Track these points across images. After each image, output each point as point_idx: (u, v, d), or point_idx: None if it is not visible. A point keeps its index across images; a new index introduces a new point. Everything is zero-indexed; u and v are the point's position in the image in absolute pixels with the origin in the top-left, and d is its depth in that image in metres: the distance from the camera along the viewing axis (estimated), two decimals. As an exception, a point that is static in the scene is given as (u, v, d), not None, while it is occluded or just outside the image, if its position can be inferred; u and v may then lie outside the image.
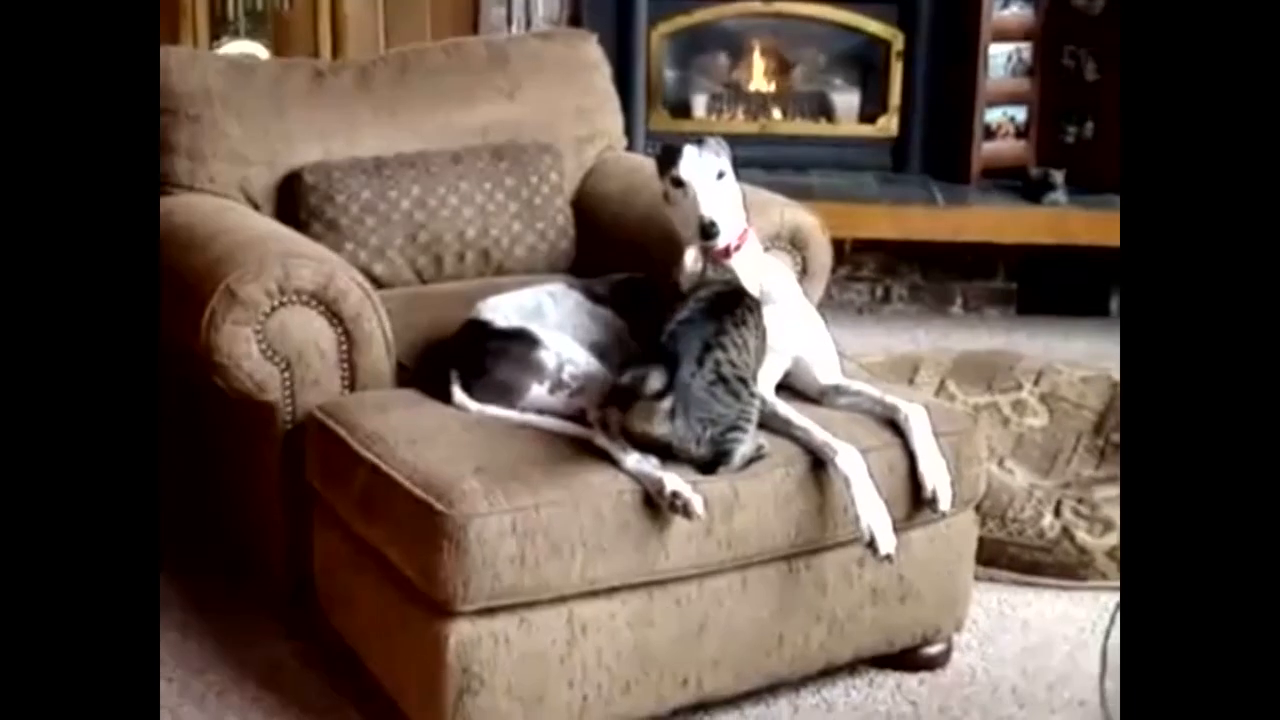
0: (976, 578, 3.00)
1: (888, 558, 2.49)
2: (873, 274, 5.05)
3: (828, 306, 4.94)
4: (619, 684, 2.47)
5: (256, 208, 3.22)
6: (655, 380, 2.37)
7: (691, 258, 2.60)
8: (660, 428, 2.41)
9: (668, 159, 2.72)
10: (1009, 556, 3.13)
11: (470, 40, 3.71)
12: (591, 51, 3.67)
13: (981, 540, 3.02)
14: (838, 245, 4.90)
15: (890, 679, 2.79)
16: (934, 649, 2.81)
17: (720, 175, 2.69)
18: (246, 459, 2.94)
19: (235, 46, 4.46)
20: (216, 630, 2.89)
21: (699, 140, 2.74)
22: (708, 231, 2.63)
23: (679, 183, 2.69)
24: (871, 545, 2.48)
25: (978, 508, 2.95)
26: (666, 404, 2.38)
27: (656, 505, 2.40)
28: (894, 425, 2.63)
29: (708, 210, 2.64)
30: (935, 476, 2.59)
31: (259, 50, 4.48)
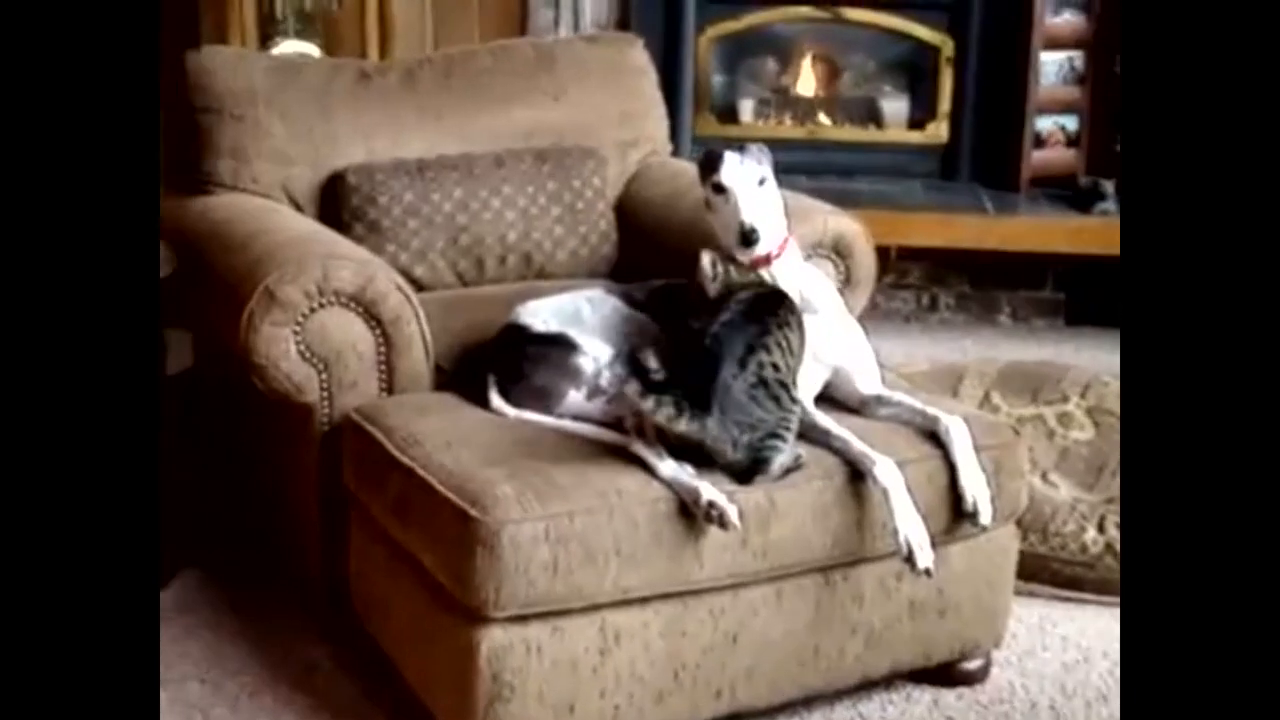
0: (1017, 592, 2.96)
1: (926, 572, 2.45)
2: (919, 282, 5.01)
3: (873, 315, 4.91)
4: (651, 694, 2.45)
5: (299, 209, 3.22)
6: (631, 386, 2.37)
7: (708, 261, 2.58)
8: (679, 426, 2.37)
9: (709, 165, 2.70)
10: (1050, 571, 3.09)
11: (517, 42, 3.70)
12: (638, 56, 3.65)
13: (1022, 554, 2.98)
14: (883, 253, 4.89)
15: (927, 694, 2.75)
16: (972, 664, 2.77)
17: (761, 182, 2.66)
18: (285, 460, 2.93)
19: (289, 46, 4.46)
20: (252, 631, 2.89)
21: (741, 147, 2.71)
22: (748, 238, 2.61)
23: (720, 189, 2.67)
24: (909, 560, 2.45)
25: (1019, 522, 2.91)
26: (663, 405, 2.35)
27: (692, 514, 2.38)
28: (934, 437, 2.60)
29: (748, 217, 2.62)
30: (975, 490, 2.55)
31: (312, 50, 4.48)
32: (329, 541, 2.78)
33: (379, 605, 2.66)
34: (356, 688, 2.70)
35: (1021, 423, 3.55)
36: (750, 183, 2.65)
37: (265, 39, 4.46)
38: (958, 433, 2.58)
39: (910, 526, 2.45)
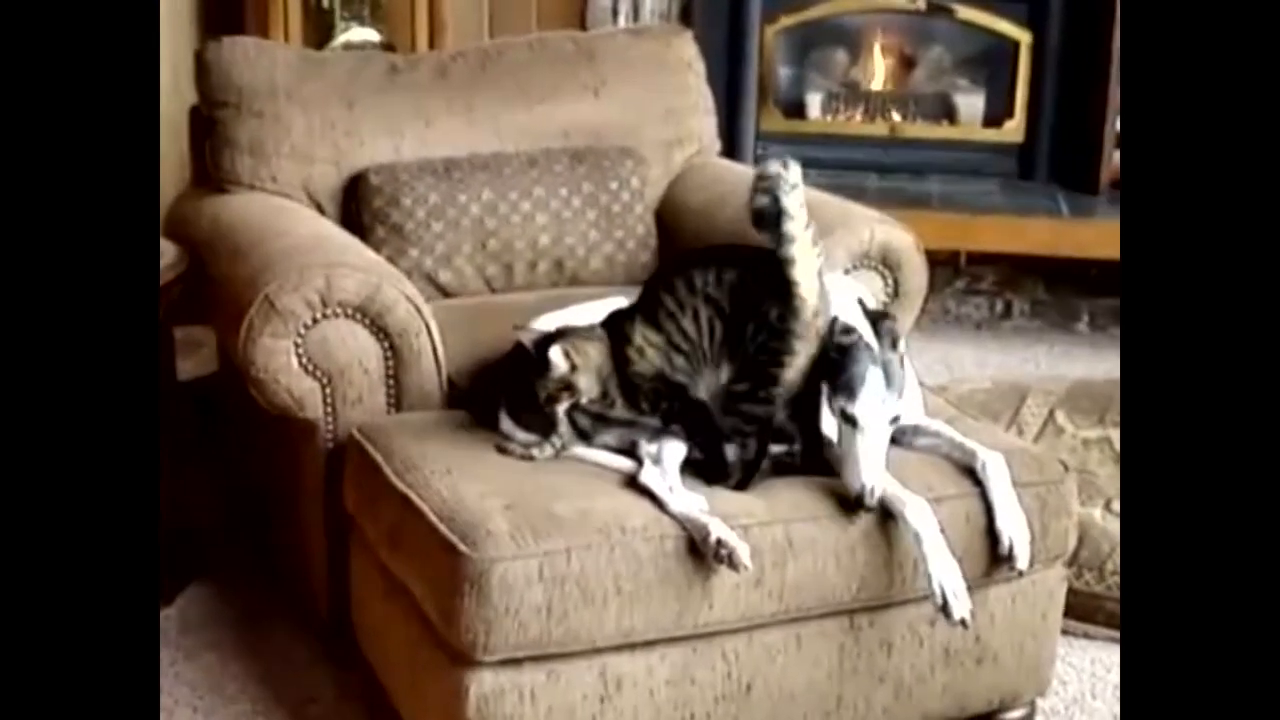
0: (1070, 634, 2.78)
1: (962, 623, 2.25)
2: (993, 287, 4.77)
3: (944, 321, 4.72)
4: (656, 745, 2.28)
5: (321, 209, 3.07)
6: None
7: (560, 355, 2.37)
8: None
9: (840, 382, 2.26)
10: (1106, 613, 2.86)
11: (556, 35, 3.52)
12: (686, 49, 3.46)
13: (1077, 594, 2.79)
14: (952, 258, 4.67)
15: (964, 747, 2.56)
16: (1013, 714, 2.56)
17: (894, 420, 2.31)
18: (291, 477, 2.79)
19: (354, 34, 4.34)
20: (255, 654, 2.76)
21: (888, 337, 2.35)
22: (861, 500, 2.25)
23: (849, 419, 2.27)
24: (944, 609, 2.25)
25: (1073, 559, 2.71)
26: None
27: (702, 552, 2.21)
28: (974, 473, 2.40)
29: (872, 478, 2.24)
30: (1013, 530, 2.35)
31: (374, 37, 4.36)
32: (334, 564, 2.64)
33: (376, 635, 2.51)
34: (355, 721, 2.57)
35: (1087, 445, 3.35)
36: (884, 424, 2.29)
37: (325, 30, 4.32)
38: (995, 469, 2.37)
39: (945, 573, 2.26)
